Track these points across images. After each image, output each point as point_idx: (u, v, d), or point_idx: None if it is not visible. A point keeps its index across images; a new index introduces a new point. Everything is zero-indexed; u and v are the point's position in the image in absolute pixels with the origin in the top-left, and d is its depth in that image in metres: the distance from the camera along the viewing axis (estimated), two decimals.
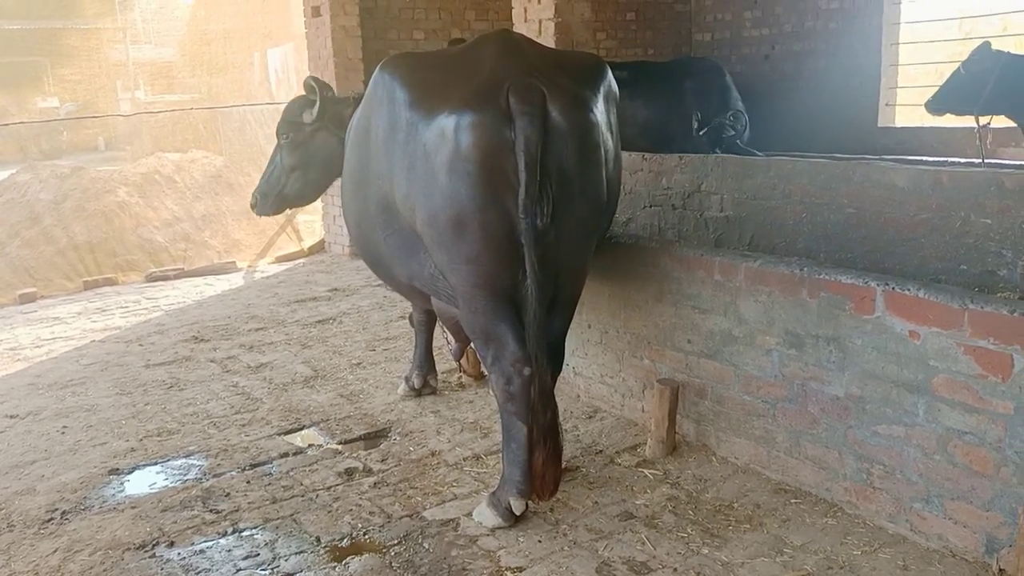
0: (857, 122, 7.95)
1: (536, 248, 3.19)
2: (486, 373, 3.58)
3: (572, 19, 7.18)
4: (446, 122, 3.22)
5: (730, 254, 3.93)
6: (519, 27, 7.27)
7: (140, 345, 6.35)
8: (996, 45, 5.90)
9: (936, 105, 6.04)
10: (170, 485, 4.00)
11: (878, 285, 3.27)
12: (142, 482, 4.07)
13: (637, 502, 3.66)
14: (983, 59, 5.80)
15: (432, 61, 3.79)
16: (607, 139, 3.55)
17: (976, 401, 3.01)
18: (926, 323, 3.12)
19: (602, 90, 3.60)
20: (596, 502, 3.67)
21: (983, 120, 5.92)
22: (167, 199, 10.01)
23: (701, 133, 6.99)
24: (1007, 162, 6.33)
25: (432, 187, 3.29)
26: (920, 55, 8.51)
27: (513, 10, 7.43)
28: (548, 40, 7.05)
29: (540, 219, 3.18)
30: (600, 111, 3.49)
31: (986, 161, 5.92)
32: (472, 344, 3.95)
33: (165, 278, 8.78)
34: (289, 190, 4.97)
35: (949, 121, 7.02)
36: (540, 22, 7.09)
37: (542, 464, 3.40)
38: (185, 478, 4.07)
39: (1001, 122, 6.06)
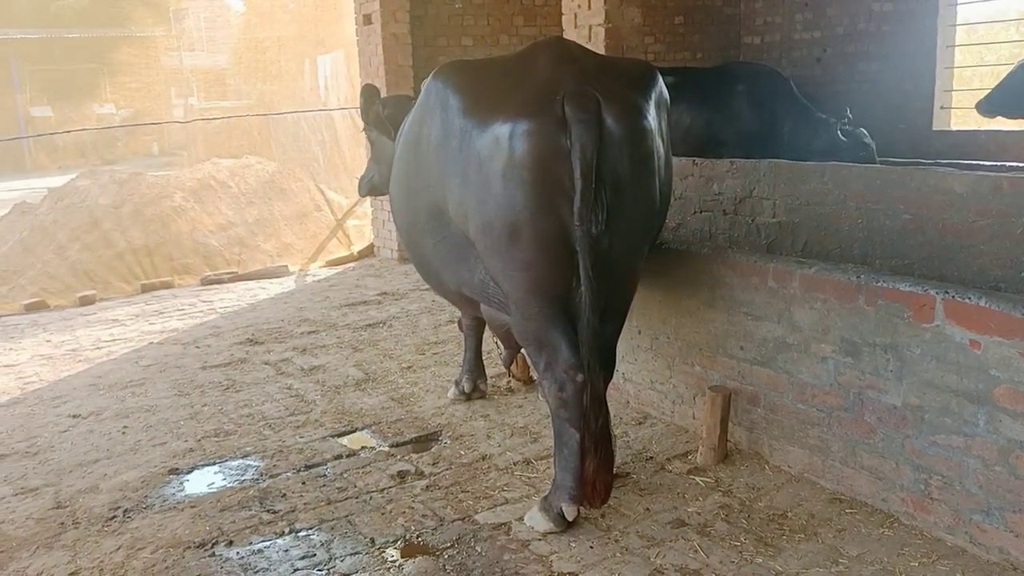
0: (911, 125, 7.82)
1: (590, 255, 3.20)
2: (537, 379, 3.60)
3: (622, 24, 7.15)
4: (501, 129, 3.25)
5: (784, 260, 3.90)
6: (568, 33, 7.27)
7: (197, 347, 6.49)
8: None
9: (989, 106, 5.91)
10: (228, 485, 4.09)
11: (937, 293, 3.22)
12: (201, 482, 4.16)
13: (689, 509, 3.65)
14: None
15: (486, 68, 3.81)
16: (660, 146, 3.55)
17: None
18: (987, 332, 3.07)
19: (655, 97, 3.59)
20: (648, 509, 3.67)
21: None
22: (221, 204, 10.21)
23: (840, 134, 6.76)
24: None
25: (486, 194, 3.32)
26: (975, 57, 8.34)
27: (563, 16, 7.44)
28: (598, 45, 7.04)
29: (595, 226, 3.19)
30: (653, 118, 3.49)
31: None
32: (522, 350, 3.98)
33: (220, 281, 8.96)
34: (376, 179, 5.50)
35: (1005, 124, 6.88)
36: (590, 27, 7.08)
37: (594, 470, 3.40)
38: (242, 478, 4.15)
39: None
